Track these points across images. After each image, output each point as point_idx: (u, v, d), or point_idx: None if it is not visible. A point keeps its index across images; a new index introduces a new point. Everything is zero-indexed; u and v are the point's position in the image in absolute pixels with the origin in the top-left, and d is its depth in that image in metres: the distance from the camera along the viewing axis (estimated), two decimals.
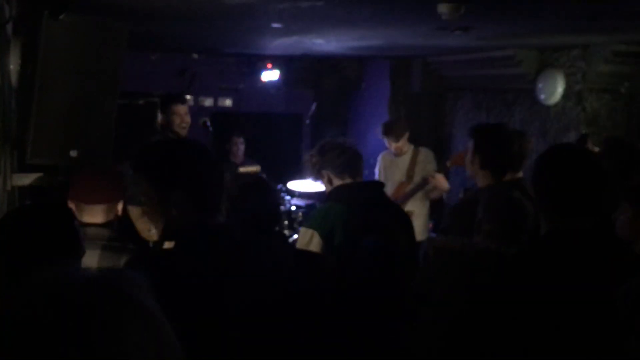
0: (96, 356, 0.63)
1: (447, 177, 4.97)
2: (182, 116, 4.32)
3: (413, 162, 5.12)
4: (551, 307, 1.71)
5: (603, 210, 1.89)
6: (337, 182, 2.84)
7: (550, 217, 1.83)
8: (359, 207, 2.71)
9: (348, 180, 2.83)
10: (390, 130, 5.12)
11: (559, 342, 1.69)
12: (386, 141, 5.13)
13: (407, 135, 5.17)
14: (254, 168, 5.60)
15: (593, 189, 1.81)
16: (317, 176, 2.92)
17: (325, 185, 2.90)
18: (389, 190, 5.14)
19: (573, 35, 4.56)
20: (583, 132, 4.72)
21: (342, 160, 2.83)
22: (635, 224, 2.25)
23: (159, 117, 4.41)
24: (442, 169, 4.83)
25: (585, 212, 1.80)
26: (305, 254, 2.55)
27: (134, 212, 4.37)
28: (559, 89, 5.22)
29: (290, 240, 5.34)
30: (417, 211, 4.83)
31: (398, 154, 5.16)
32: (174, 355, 0.71)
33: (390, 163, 5.26)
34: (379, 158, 5.40)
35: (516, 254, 2.01)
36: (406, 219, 3.04)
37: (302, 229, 2.75)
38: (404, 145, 5.16)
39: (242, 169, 5.54)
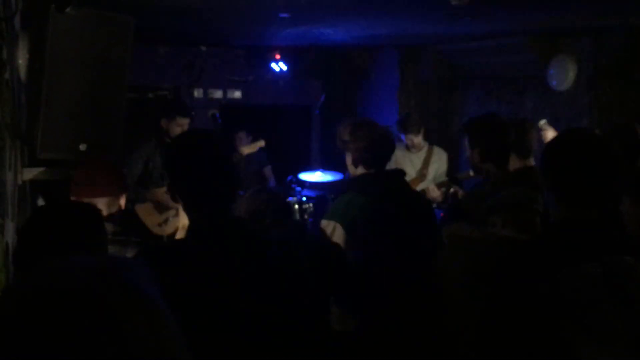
0: (93, 341, 0.63)
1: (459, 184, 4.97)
2: (183, 127, 4.56)
3: (427, 160, 5.11)
4: (553, 296, 1.69)
5: (612, 200, 1.84)
6: (361, 169, 2.80)
7: (559, 207, 1.79)
8: (380, 198, 2.68)
9: (372, 170, 2.80)
10: (410, 126, 5.11)
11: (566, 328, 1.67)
12: (405, 137, 5.11)
13: (424, 129, 5.16)
14: (255, 145, 5.69)
15: (604, 180, 1.74)
16: (343, 149, 2.89)
17: (349, 166, 2.87)
18: None
19: (585, 20, 4.50)
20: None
21: (370, 154, 2.78)
22: (631, 214, 2.19)
23: (162, 120, 4.63)
24: (452, 179, 4.77)
25: (594, 203, 1.75)
26: (323, 246, 2.54)
27: (142, 210, 4.42)
28: (571, 75, 5.16)
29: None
30: None
31: (416, 148, 5.15)
32: (175, 342, 0.71)
33: (403, 157, 5.24)
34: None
35: (529, 242, 1.98)
36: (428, 208, 3.01)
37: (323, 221, 2.72)
38: (422, 139, 5.15)
39: (246, 150, 5.62)
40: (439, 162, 5.07)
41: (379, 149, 2.79)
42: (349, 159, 2.84)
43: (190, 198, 1.73)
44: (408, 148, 5.24)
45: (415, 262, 2.64)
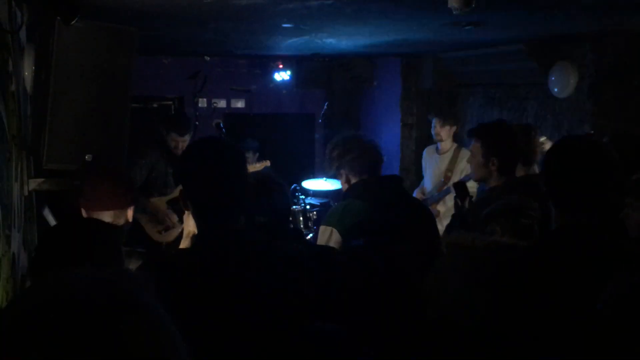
0: (95, 355, 0.63)
1: None
2: (177, 143, 4.68)
3: (453, 162, 5.12)
4: (560, 303, 1.70)
5: (611, 206, 1.85)
6: (354, 181, 2.84)
7: (560, 212, 1.80)
8: (377, 204, 2.70)
9: (365, 176, 2.83)
10: (441, 113, 5.19)
11: (567, 333, 1.68)
12: (434, 122, 5.20)
13: (453, 128, 5.20)
14: (261, 164, 5.75)
15: (600, 186, 1.75)
16: (335, 172, 2.93)
17: (343, 185, 2.90)
18: (427, 186, 5.19)
19: (584, 26, 4.53)
20: (590, 133, 4.68)
21: (362, 162, 2.82)
22: (633, 219, 2.18)
23: (162, 130, 4.73)
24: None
25: (592, 208, 1.76)
26: (321, 252, 2.55)
27: (143, 217, 4.43)
28: (572, 81, 5.17)
29: (307, 238, 5.36)
30: (445, 212, 4.85)
31: (439, 142, 5.18)
32: (177, 353, 0.71)
33: (432, 160, 5.29)
34: (424, 152, 5.47)
35: (528, 248, 1.99)
36: (427, 214, 3.02)
37: (321, 227, 2.76)
38: (446, 136, 5.17)
39: (251, 169, 5.66)
40: (465, 163, 5.08)
41: (370, 156, 2.84)
42: (342, 179, 2.87)
43: (201, 207, 1.73)
44: (437, 150, 5.29)
45: (409, 268, 2.65)
